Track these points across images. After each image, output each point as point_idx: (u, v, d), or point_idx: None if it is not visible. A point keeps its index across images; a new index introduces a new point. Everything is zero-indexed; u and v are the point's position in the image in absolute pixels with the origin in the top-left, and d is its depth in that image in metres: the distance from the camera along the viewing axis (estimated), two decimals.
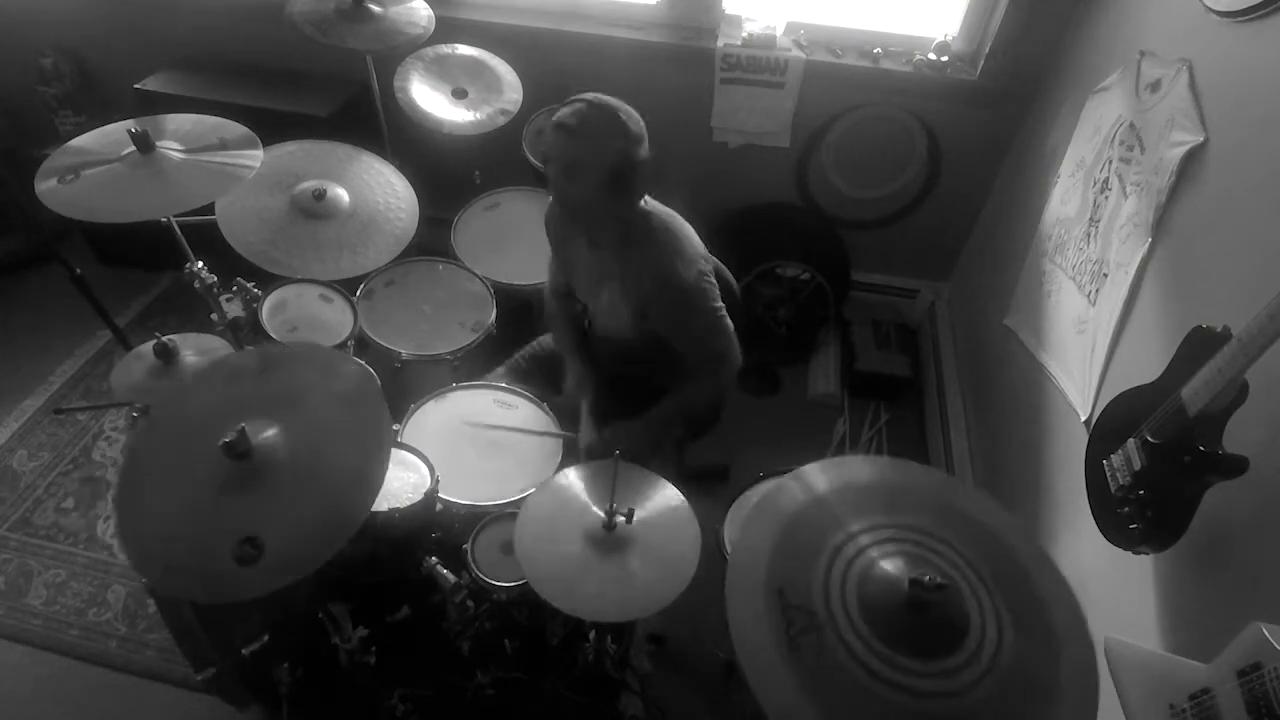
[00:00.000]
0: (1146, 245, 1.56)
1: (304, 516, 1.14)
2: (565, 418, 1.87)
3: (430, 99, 2.34)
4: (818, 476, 1.22)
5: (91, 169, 1.59)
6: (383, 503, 1.50)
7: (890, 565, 1.08)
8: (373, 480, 1.17)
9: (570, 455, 1.76)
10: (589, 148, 1.53)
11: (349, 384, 1.30)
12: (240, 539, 1.09)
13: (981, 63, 2.47)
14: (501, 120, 2.37)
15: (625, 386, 1.91)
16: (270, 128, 1.83)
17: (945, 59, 2.51)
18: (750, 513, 1.18)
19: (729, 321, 1.73)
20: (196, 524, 1.13)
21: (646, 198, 1.67)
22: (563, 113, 1.54)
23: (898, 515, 1.16)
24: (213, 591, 1.15)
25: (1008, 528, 1.18)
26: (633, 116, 1.55)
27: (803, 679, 0.99)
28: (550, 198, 1.82)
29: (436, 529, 1.67)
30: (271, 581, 1.07)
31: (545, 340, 2.10)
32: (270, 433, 1.21)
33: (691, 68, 2.57)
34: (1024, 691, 1.00)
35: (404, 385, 1.98)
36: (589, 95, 1.54)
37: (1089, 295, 1.78)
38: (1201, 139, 1.45)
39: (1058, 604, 1.09)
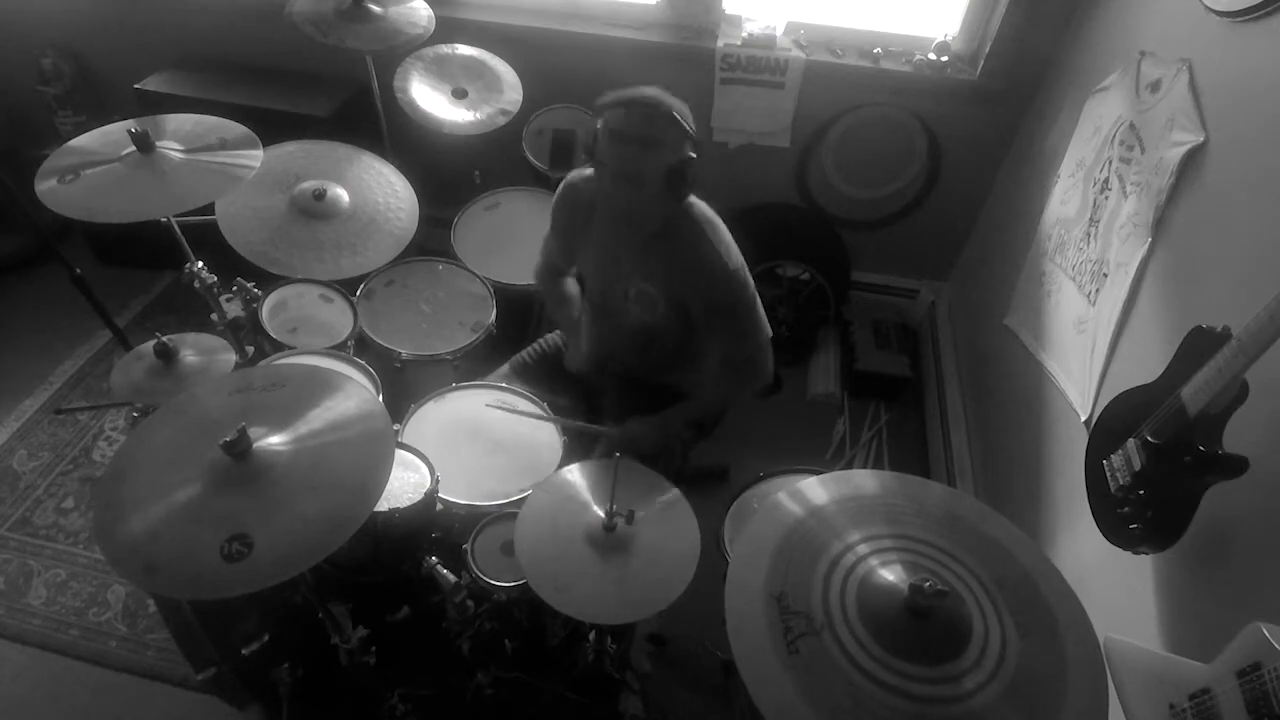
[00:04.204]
0: (1146, 245, 1.56)
1: (297, 521, 1.13)
2: (565, 417, 1.87)
3: (430, 99, 2.34)
4: (817, 490, 1.23)
5: (91, 169, 1.59)
6: (383, 503, 1.50)
7: (890, 573, 1.09)
8: (370, 495, 1.16)
9: (570, 456, 1.76)
10: (651, 158, 1.48)
11: (360, 414, 1.30)
12: (229, 536, 1.09)
13: (981, 63, 2.46)
14: (501, 120, 2.37)
15: (639, 390, 1.90)
16: (270, 128, 1.83)
17: (945, 59, 2.50)
18: (750, 523, 1.19)
19: (768, 328, 1.69)
20: (184, 521, 1.12)
21: None
22: (619, 120, 1.47)
23: (897, 526, 1.17)
24: (197, 588, 1.14)
25: (1009, 536, 1.18)
26: (684, 112, 1.50)
27: (801, 682, 0.99)
28: (556, 193, 1.80)
29: (436, 529, 1.67)
30: (259, 580, 1.06)
31: (551, 339, 2.09)
32: (273, 440, 1.21)
33: (691, 68, 2.57)
34: (1030, 696, 1.00)
35: (404, 385, 1.98)
36: (642, 96, 1.48)
37: (1089, 295, 1.78)
38: (1201, 139, 1.45)
39: (1063, 611, 1.09)
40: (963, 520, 1.20)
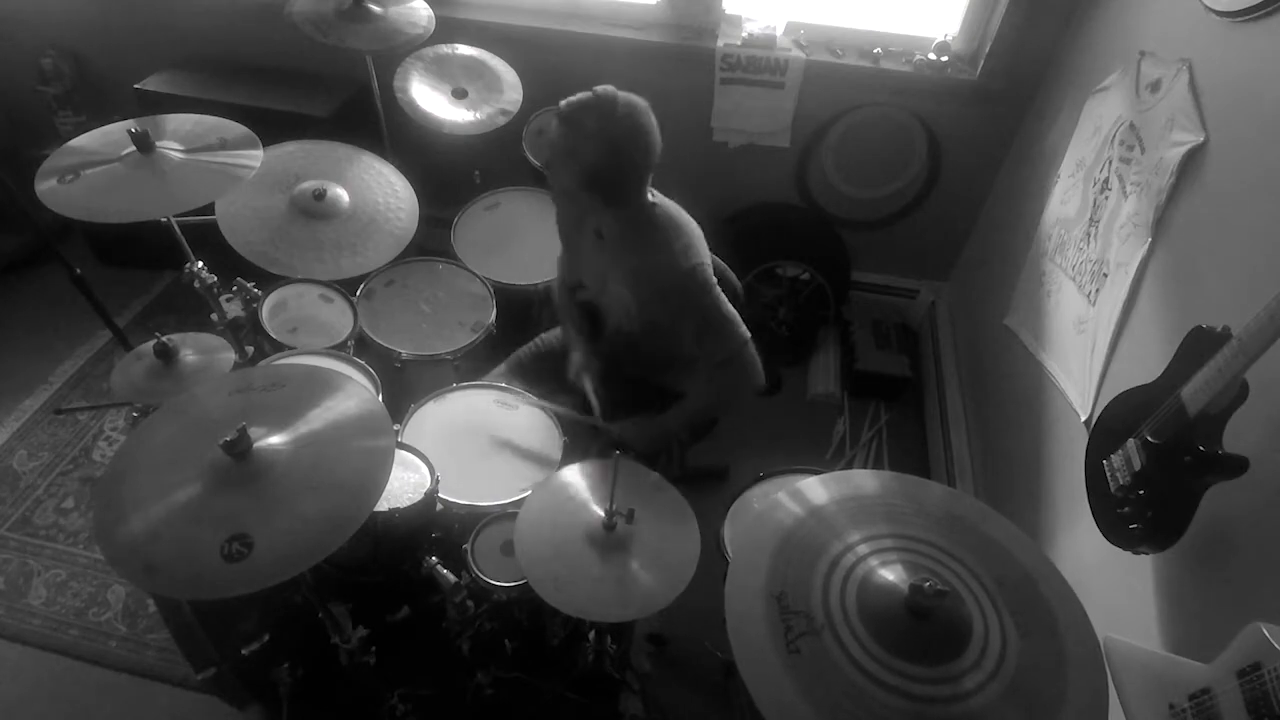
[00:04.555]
0: (1146, 245, 1.56)
1: (297, 521, 1.13)
2: (564, 418, 1.87)
3: (430, 99, 2.34)
4: (817, 490, 1.23)
5: (91, 169, 1.59)
6: (383, 503, 1.50)
7: (890, 573, 1.09)
8: (370, 496, 1.16)
9: (570, 456, 1.76)
10: (571, 144, 1.50)
11: (360, 414, 1.30)
12: (229, 536, 1.09)
13: (981, 63, 2.46)
14: (501, 120, 2.37)
15: (640, 390, 1.90)
16: (270, 128, 1.83)
17: (945, 59, 2.50)
18: (750, 523, 1.19)
19: (742, 329, 1.63)
20: (184, 521, 1.13)
21: (653, 192, 1.65)
22: (569, 99, 1.50)
23: (897, 526, 1.17)
24: (197, 588, 1.14)
25: (1009, 536, 1.18)
26: (635, 126, 1.49)
27: (801, 681, 0.99)
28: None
29: (436, 529, 1.67)
30: (259, 580, 1.07)
31: (548, 337, 2.10)
32: (273, 440, 1.21)
33: (691, 68, 2.57)
34: (1030, 696, 1.00)
35: (404, 385, 1.98)
36: (604, 89, 1.49)
37: (1089, 295, 1.78)
38: (1201, 139, 1.45)
39: (1063, 611, 1.09)
40: (963, 520, 1.20)
